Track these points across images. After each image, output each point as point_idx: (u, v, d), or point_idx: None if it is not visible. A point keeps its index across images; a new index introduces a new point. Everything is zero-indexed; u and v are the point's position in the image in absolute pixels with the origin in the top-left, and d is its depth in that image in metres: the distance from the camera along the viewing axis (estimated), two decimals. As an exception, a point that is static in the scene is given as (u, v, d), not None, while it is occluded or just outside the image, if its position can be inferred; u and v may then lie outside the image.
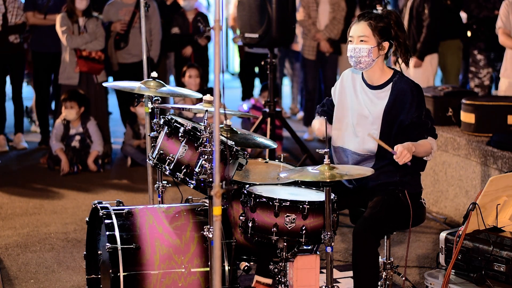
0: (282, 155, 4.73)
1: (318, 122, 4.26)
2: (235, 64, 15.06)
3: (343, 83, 4.19)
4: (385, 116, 3.99)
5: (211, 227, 3.67)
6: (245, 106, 8.68)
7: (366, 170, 3.71)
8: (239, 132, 4.46)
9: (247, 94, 9.78)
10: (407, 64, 4.08)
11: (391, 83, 4.02)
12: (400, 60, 4.10)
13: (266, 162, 4.73)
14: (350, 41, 4.01)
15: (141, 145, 7.84)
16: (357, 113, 4.07)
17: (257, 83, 10.38)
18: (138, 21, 8.21)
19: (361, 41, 3.96)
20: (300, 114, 10.17)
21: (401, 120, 3.96)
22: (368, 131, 4.01)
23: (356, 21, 4.01)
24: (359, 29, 3.98)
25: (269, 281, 4.17)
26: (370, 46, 3.96)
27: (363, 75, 4.11)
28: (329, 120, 4.19)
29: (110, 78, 8.84)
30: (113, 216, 4.03)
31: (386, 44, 4.00)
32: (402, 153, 3.77)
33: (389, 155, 3.85)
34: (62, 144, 7.76)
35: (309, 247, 4.14)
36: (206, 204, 4.13)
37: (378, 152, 4.00)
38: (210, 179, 3.71)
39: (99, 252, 4.31)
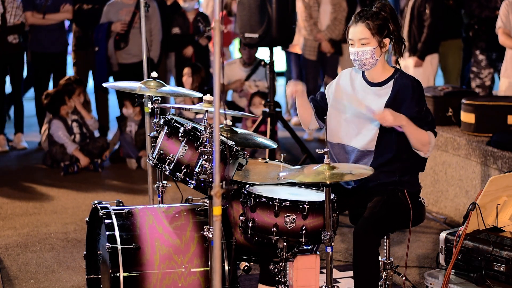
0: (282, 155, 4.73)
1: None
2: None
3: (339, 81, 4.18)
4: None
5: (211, 227, 3.67)
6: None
7: (366, 170, 3.70)
8: (239, 132, 4.46)
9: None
10: (401, 55, 4.06)
11: (393, 80, 4.01)
12: (400, 59, 4.08)
13: (266, 162, 4.73)
14: (351, 44, 3.97)
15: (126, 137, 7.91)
16: (356, 111, 4.06)
17: None
18: (138, 21, 8.19)
19: (363, 44, 3.93)
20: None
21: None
22: (368, 128, 4.00)
23: (353, 23, 3.96)
24: (358, 32, 3.93)
25: None
26: (373, 47, 3.93)
27: (364, 74, 4.10)
28: (317, 111, 4.19)
29: (111, 79, 8.83)
30: (113, 216, 4.03)
31: (387, 41, 3.97)
32: (384, 113, 3.77)
33: (387, 152, 3.86)
34: (75, 143, 7.77)
35: (309, 247, 4.13)
36: (206, 204, 4.13)
37: (377, 149, 3.99)
38: (210, 179, 3.71)
39: (99, 252, 4.31)
